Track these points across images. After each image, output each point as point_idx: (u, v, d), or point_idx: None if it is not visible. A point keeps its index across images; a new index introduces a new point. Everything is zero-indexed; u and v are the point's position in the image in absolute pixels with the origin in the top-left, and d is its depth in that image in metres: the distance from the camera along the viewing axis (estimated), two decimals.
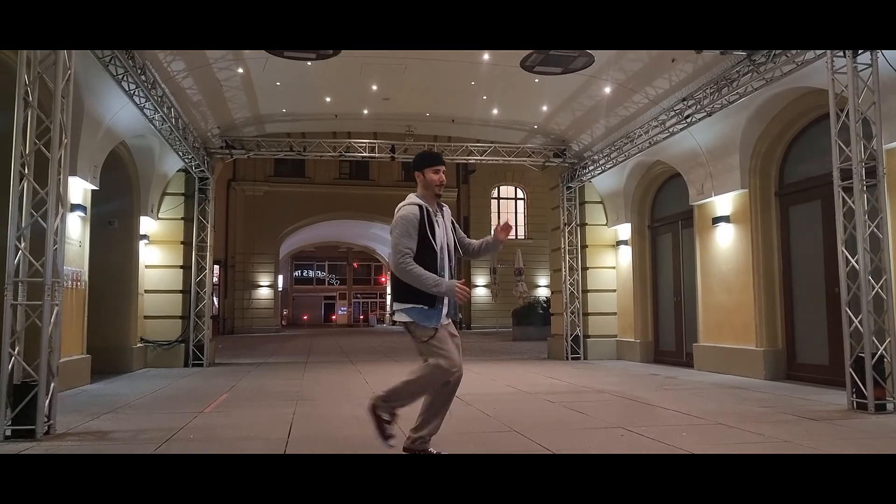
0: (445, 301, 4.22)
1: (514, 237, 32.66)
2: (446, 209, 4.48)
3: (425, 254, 4.17)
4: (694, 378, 9.95)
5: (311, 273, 56.24)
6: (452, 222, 4.47)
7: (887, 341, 6.64)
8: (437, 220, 4.29)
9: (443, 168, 4.40)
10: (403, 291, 4.20)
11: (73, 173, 8.23)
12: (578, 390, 8.65)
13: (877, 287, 6.75)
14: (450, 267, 4.31)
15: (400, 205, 4.32)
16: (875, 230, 6.82)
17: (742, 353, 10.04)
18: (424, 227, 4.19)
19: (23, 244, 5.57)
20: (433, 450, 4.33)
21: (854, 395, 6.67)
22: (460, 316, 4.40)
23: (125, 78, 8.30)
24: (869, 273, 6.71)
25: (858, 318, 6.68)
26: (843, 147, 6.92)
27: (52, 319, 5.62)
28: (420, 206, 4.25)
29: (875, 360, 6.54)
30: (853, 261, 6.80)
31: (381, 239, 43.07)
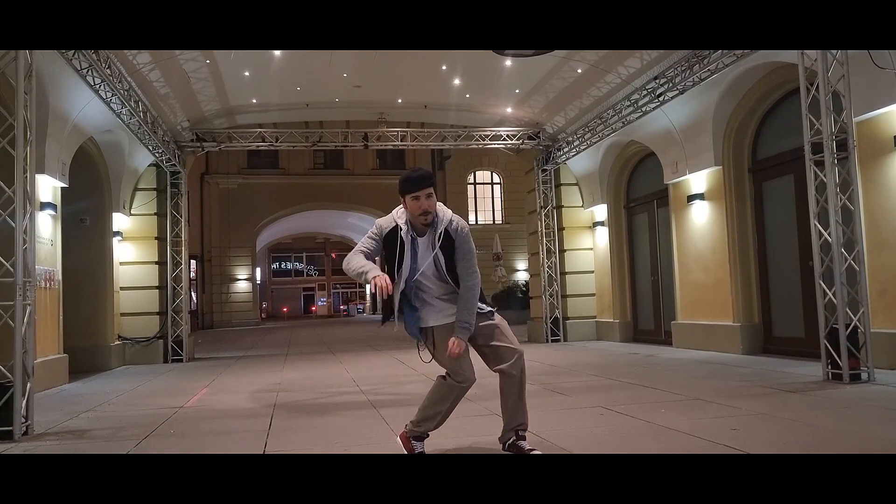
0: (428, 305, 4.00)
1: (491, 222, 32.68)
2: (442, 229, 3.87)
3: (391, 267, 3.94)
4: (673, 356, 10.04)
5: (289, 265, 56.02)
6: (443, 239, 3.89)
7: (860, 312, 6.73)
8: (409, 241, 3.90)
9: (424, 193, 3.78)
10: None
11: (42, 171, 8.09)
12: (559, 372, 8.69)
13: (849, 259, 6.83)
14: (425, 289, 3.99)
15: None
16: (847, 202, 6.89)
17: (719, 329, 10.14)
18: (396, 243, 3.89)
19: None
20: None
21: (829, 367, 6.76)
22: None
23: (90, 72, 8.16)
24: (841, 245, 6.79)
25: (832, 291, 6.76)
26: (814, 121, 6.98)
27: (25, 319, 5.53)
28: (396, 224, 3.93)
29: (849, 331, 6.62)
30: (826, 234, 6.88)
31: (358, 228, 42.84)
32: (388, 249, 3.94)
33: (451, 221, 3.91)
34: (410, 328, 4.05)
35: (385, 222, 3.99)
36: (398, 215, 3.96)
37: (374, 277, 3.67)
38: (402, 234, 3.89)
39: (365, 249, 3.95)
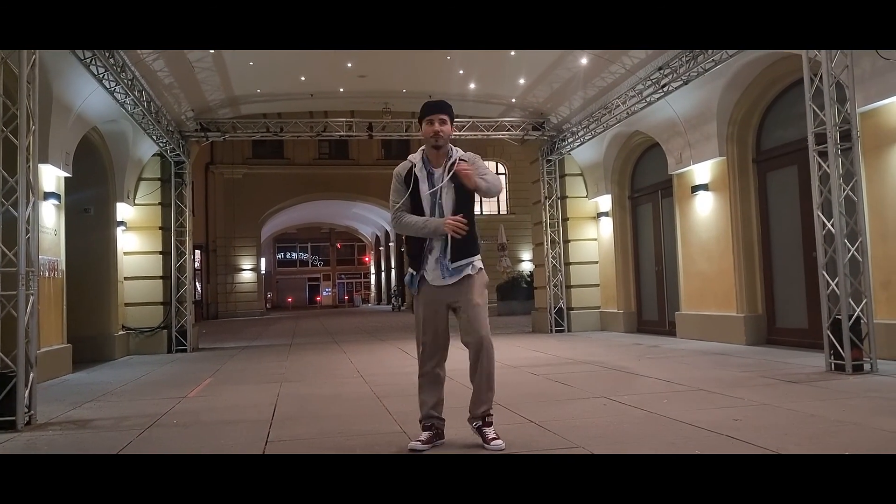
0: (431, 261, 4.11)
1: (496, 213, 32.61)
2: (454, 158, 4.14)
3: (413, 210, 4.13)
4: (677, 346, 10.03)
5: (294, 255, 56.05)
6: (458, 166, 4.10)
7: (863, 303, 6.72)
8: (425, 175, 4.11)
9: (438, 117, 4.10)
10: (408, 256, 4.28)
11: (45, 160, 8.10)
12: (562, 362, 8.69)
13: (852, 250, 6.81)
14: (434, 245, 4.14)
15: None
16: (850, 193, 6.87)
17: (723, 319, 10.13)
18: (411, 182, 4.12)
19: None
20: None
21: (832, 357, 6.75)
22: (463, 271, 4.13)
23: (93, 61, 8.16)
24: (844, 236, 6.76)
25: (835, 281, 6.74)
26: (818, 111, 6.94)
27: (28, 309, 5.55)
28: (411, 163, 4.16)
29: (852, 321, 6.61)
30: (829, 224, 6.85)
31: (363, 219, 42.88)
32: (411, 190, 4.14)
33: (464, 153, 4.22)
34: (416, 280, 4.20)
35: (401, 167, 4.21)
36: (412, 157, 4.21)
37: (445, 224, 3.98)
38: (416, 171, 4.13)
39: (404, 207, 4.14)
